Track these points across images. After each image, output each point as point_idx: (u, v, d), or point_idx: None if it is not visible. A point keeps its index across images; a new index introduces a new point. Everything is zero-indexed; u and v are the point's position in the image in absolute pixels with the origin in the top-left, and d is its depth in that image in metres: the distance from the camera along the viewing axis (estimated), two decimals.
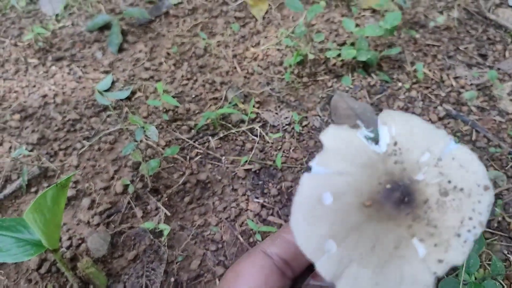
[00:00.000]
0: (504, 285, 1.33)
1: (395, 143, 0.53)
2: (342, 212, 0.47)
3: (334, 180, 0.49)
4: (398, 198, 0.48)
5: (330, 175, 0.49)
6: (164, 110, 1.92)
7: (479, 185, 0.47)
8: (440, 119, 1.85)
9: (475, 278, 1.18)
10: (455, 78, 2.04)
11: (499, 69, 2.06)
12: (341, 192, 0.49)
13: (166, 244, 1.47)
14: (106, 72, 2.18)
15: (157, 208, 1.57)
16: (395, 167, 0.51)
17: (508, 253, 1.44)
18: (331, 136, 0.52)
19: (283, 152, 1.74)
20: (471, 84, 2.00)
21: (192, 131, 1.84)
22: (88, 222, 1.54)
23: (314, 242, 0.45)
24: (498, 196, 1.59)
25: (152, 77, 2.13)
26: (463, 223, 0.45)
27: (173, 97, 1.95)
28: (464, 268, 1.11)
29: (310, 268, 0.59)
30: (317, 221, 0.46)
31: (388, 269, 0.43)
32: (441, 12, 2.38)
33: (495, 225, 1.50)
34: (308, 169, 0.50)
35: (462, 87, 1.99)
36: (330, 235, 0.45)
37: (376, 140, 0.54)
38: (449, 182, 0.48)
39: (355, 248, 0.44)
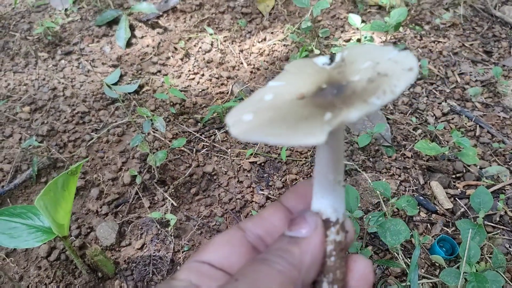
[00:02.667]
0: (505, 278, 1.34)
1: (343, 60, 0.57)
2: (274, 103, 0.52)
3: (280, 87, 0.55)
4: (328, 92, 0.51)
5: (279, 85, 0.56)
6: (171, 103, 1.94)
7: (404, 69, 0.48)
8: (444, 114, 1.86)
9: (476, 271, 1.19)
10: (460, 74, 2.05)
11: (504, 65, 2.07)
12: (282, 93, 0.54)
13: (173, 233, 1.49)
14: (114, 66, 2.21)
15: (164, 199, 1.60)
16: (336, 75, 0.55)
17: (509, 246, 1.45)
18: (291, 64, 0.59)
19: None
20: (476, 80, 2.01)
21: (199, 124, 1.87)
22: (97, 212, 1.57)
23: (236, 115, 0.49)
24: (500, 191, 1.60)
25: (159, 71, 2.16)
26: (375, 94, 0.46)
27: (180, 91, 1.98)
28: (465, 259, 1.12)
29: None
30: (248, 106, 0.51)
31: (286, 123, 0.46)
32: (447, 9, 2.39)
33: (497, 219, 1.52)
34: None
35: (467, 83, 2.00)
36: (252, 111, 0.50)
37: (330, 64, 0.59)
38: (379, 74, 0.50)
39: (268, 118, 0.48)
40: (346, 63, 0.56)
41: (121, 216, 1.56)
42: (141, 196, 1.61)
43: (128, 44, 2.33)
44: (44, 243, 1.44)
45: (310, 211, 0.56)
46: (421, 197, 1.58)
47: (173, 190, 1.62)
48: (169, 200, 1.59)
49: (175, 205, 1.58)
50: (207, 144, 1.79)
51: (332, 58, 0.58)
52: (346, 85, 0.51)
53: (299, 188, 0.62)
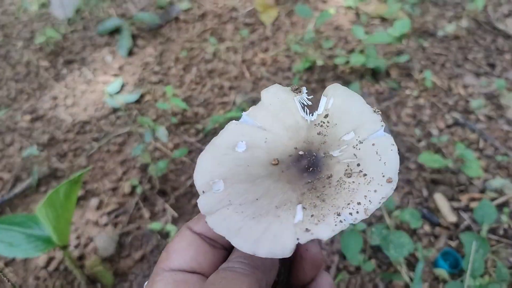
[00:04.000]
0: None
1: (326, 116, 0.54)
2: (248, 162, 0.50)
3: (255, 133, 0.53)
4: (304, 166, 0.50)
5: (254, 128, 0.53)
6: (173, 113, 1.94)
7: (384, 176, 0.46)
8: (448, 126, 1.86)
9: (480, 284, 1.18)
10: (463, 86, 2.04)
11: (507, 78, 2.07)
12: (256, 145, 0.52)
13: None
14: (116, 76, 2.20)
15: (164, 210, 1.58)
16: (316, 138, 0.53)
17: None
18: (270, 93, 0.55)
19: None
20: (479, 93, 2.00)
21: (200, 134, 1.86)
22: (97, 222, 1.55)
23: (206, 178, 0.47)
24: (504, 204, 1.59)
25: (161, 81, 2.15)
26: (349, 205, 0.44)
27: (182, 100, 1.97)
28: (468, 272, 1.11)
29: None
30: (220, 162, 0.49)
31: (257, 221, 0.44)
32: (450, 22, 2.39)
33: (501, 232, 1.50)
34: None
35: (470, 96, 2.00)
36: (224, 177, 0.48)
37: (311, 108, 0.56)
38: (358, 165, 0.48)
39: (239, 196, 0.46)
40: (329, 123, 0.54)
41: (121, 226, 1.55)
42: (141, 206, 1.59)
43: (130, 53, 2.33)
44: (43, 253, 1.43)
45: None
46: (424, 210, 1.57)
47: (173, 200, 1.61)
48: (169, 210, 1.57)
49: (176, 216, 1.56)
50: None
51: (311, 103, 0.56)
52: (323, 159, 0.51)
53: None
